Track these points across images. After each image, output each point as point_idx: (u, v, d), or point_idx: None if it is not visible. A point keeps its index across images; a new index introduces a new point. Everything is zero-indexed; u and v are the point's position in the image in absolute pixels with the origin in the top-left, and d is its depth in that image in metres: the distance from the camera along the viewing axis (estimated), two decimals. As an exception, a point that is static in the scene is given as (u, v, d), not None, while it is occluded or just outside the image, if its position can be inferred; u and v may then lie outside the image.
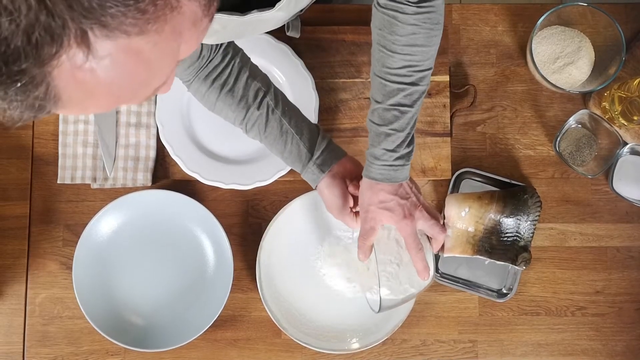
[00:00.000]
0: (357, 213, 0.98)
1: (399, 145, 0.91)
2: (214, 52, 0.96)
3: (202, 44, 0.92)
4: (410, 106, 0.89)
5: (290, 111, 1.01)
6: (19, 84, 0.44)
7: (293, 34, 1.14)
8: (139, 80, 0.50)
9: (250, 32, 0.88)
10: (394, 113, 0.89)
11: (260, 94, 0.98)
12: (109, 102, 0.51)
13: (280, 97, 1.01)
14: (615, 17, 1.12)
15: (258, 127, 0.99)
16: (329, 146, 1.00)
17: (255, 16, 0.80)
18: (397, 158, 0.91)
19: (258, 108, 0.98)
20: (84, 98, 0.49)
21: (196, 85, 0.98)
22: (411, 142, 0.92)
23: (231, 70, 0.97)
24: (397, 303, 0.97)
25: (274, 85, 1.01)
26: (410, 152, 0.92)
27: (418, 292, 0.97)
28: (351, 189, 0.98)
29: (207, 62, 0.95)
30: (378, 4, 0.89)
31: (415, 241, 0.92)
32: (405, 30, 0.86)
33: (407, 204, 0.91)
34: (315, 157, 0.98)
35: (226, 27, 0.81)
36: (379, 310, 0.94)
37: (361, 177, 0.95)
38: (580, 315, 1.17)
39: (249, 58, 1.01)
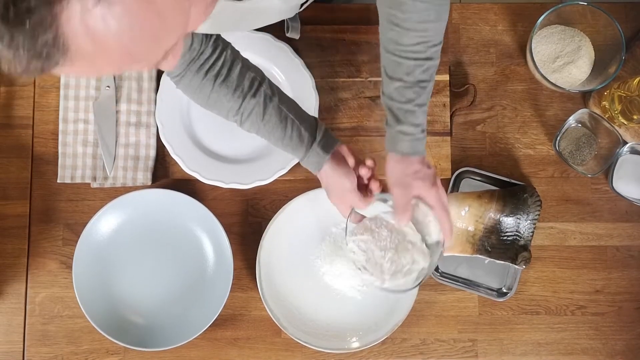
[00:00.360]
0: (364, 191, 0.99)
1: (423, 119, 0.94)
2: (205, 44, 0.94)
3: (192, 34, 0.91)
4: (429, 81, 0.92)
5: (287, 99, 1.01)
6: (27, 25, 0.43)
7: (293, 35, 1.13)
8: (150, 33, 0.49)
9: (247, 24, 0.87)
10: (415, 90, 0.91)
11: (256, 83, 0.98)
12: (120, 58, 0.50)
13: (275, 87, 1.01)
14: (615, 16, 1.12)
15: (255, 115, 0.99)
16: (327, 132, 1.01)
17: (252, 3, 0.80)
18: (422, 130, 0.94)
19: (254, 96, 0.97)
20: (94, 51, 0.47)
21: (188, 79, 0.96)
22: (426, 112, 0.96)
23: (224, 60, 0.96)
24: (413, 282, 0.97)
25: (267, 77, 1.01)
26: (425, 122, 0.95)
27: (427, 265, 0.97)
28: (357, 167, 0.99)
29: (198, 54, 0.94)
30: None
31: (443, 206, 0.94)
32: (417, 7, 0.87)
33: (432, 172, 0.95)
34: (318, 139, 0.99)
35: (222, 13, 0.80)
36: (410, 288, 0.96)
37: (359, 160, 0.98)
38: (580, 314, 1.17)
39: (239, 51, 1.00)
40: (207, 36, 0.94)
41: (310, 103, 1.16)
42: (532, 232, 1.14)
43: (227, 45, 0.98)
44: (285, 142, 1.00)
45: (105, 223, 1.14)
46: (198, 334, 1.11)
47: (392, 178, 0.95)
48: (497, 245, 1.14)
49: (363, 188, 0.99)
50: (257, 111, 0.98)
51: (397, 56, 0.90)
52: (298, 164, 1.16)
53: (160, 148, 1.18)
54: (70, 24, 0.45)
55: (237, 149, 1.17)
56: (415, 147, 0.94)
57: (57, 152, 1.17)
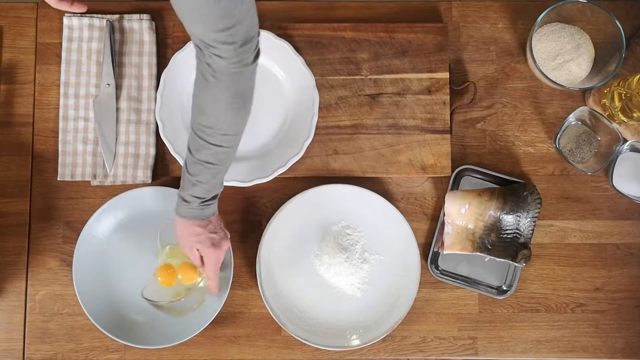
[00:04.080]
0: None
1: (205, 193, 0.99)
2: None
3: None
4: (214, 164, 0.96)
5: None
6: None
7: None
8: None
9: None
10: (199, 167, 0.96)
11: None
12: None
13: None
14: (615, 14, 1.12)
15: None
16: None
17: None
18: (203, 202, 1.00)
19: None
20: None
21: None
22: (218, 188, 1.01)
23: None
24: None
25: None
26: (216, 196, 1.02)
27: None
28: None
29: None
30: (197, 58, 0.90)
31: (213, 266, 1.06)
32: (207, 96, 0.90)
33: (216, 237, 1.04)
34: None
35: None
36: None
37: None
38: (580, 312, 1.17)
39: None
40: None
41: (310, 101, 1.16)
42: (532, 229, 1.14)
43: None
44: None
45: (105, 221, 1.15)
46: (198, 332, 1.11)
47: (178, 237, 1.05)
48: (497, 242, 1.14)
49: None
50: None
51: (193, 130, 0.95)
52: (298, 162, 1.16)
53: (161, 146, 1.18)
54: None
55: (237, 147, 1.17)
56: (194, 214, 1.01)
57: (57, 149, 1.17)
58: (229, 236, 1.07)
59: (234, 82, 0.89)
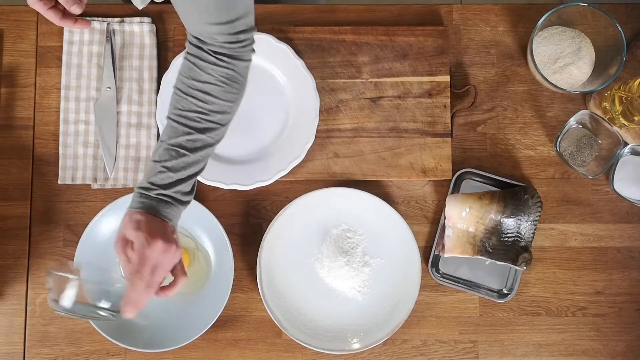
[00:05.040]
0: None
1: (168, 185, 0.89)
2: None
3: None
4: (190, 151, 0.89)
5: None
6: None
7: (137, 3, 1.12)
8: None
9: None
10: (171, 152, 0.89)
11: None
12: None
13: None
14: (616, 17, 1.12)
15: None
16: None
17: None
18: (161, 194, 0.89)
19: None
20: None
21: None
22: (188, 193, 0.91)
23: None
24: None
25: None
26: (182, 201, 0.90)
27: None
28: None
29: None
30: (187, 52, 0.92)
31: (147, 267, 0.87)
32: (201, 77, 0.90)
33: (169, 237, 0.87)
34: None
35: None
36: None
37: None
38: (580, 316, 1.17)
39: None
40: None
41: (311, 104, 1.16)
42: (533, 233, 1.14)
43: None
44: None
45: (105, 224, 1.14)
46: (199, 335, 1.11)
47: (118, 233, 0.89)
48: (498, 246, 1.14)
49: None
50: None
51: (171, 119, 0.90)
52: (299, 165, 1.16)
53: (161, 149, 1.18)
54: None
55: (238, 150, 1.17)
56: (148, 204, 0.88)
57: (58, 153, 1.17)
58: (180, 255, 0.90)
59: (233, 67, 0.90)
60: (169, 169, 0.89)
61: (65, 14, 1.00)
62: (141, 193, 0.90)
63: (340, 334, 1.14)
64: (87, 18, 1.18)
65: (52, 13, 0.98)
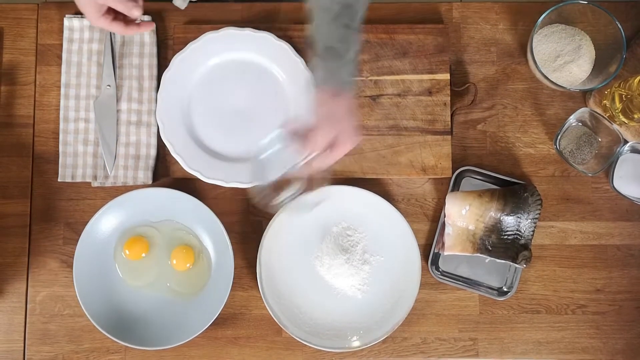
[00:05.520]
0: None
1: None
2: None
3: None
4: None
5: None
6: None
7: (178, 4, 1.13)
8: None
9: None
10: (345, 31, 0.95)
11: None
12: None
13: None
14: (616, 15, 1.12)
15: None
16: None
17: None
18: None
19: None
20: None
21: None
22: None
23: None
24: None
25: None
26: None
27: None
28: None
29: None
30: None
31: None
32: None
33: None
34: None
35: None
36: None
37: None
38: (580, 314, 1.17)
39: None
40: None
41: (310, 102, 1.16)
42: (533, 231, 1.14)
43: None
44: None
45: (105, 222, 1.14)
46: (199, 333, 1.11)
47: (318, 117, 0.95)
48: (498, 244, 1.14)
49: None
50: None
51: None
52: (299, 163, 1.16)
53: (161, 147, 1.18)
54: None
55: (238, 148, 1.17)
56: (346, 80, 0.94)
57: (58, 151, 1.17)
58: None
59: None
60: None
61: (126, 21, 1.00)
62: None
63: (340, 331, 1.15)
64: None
65: (116, 25, 0.99)
